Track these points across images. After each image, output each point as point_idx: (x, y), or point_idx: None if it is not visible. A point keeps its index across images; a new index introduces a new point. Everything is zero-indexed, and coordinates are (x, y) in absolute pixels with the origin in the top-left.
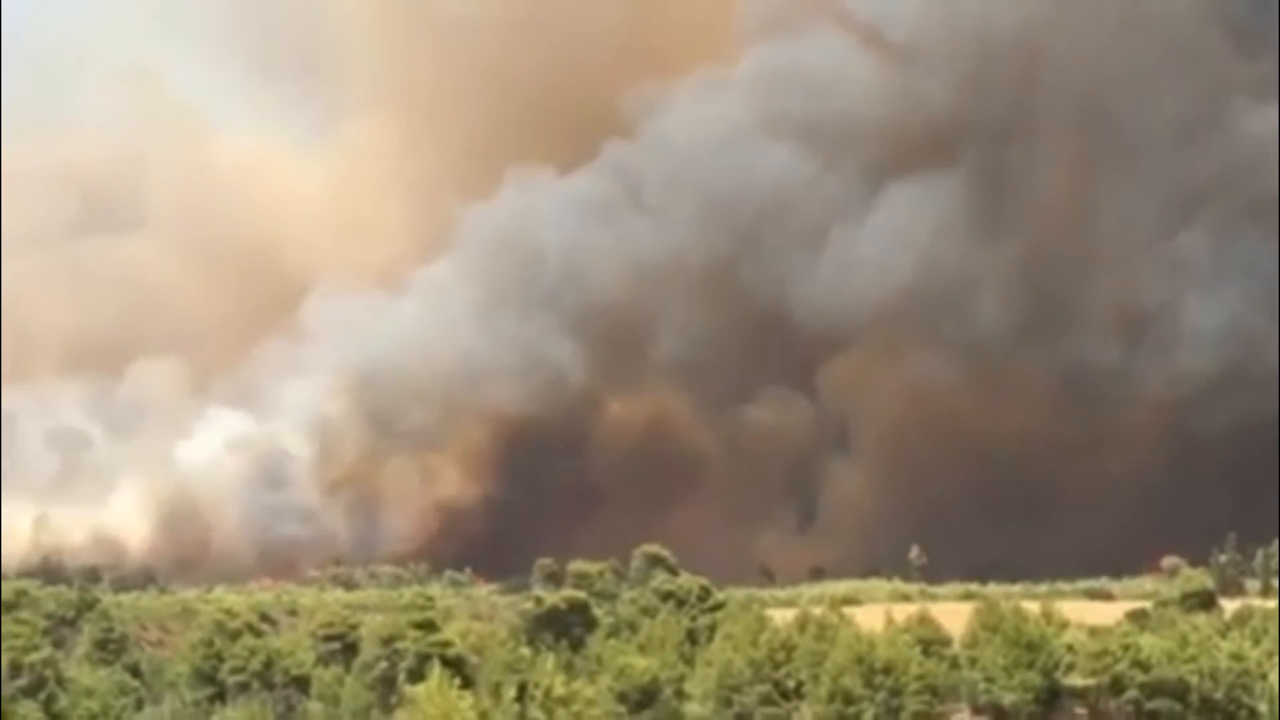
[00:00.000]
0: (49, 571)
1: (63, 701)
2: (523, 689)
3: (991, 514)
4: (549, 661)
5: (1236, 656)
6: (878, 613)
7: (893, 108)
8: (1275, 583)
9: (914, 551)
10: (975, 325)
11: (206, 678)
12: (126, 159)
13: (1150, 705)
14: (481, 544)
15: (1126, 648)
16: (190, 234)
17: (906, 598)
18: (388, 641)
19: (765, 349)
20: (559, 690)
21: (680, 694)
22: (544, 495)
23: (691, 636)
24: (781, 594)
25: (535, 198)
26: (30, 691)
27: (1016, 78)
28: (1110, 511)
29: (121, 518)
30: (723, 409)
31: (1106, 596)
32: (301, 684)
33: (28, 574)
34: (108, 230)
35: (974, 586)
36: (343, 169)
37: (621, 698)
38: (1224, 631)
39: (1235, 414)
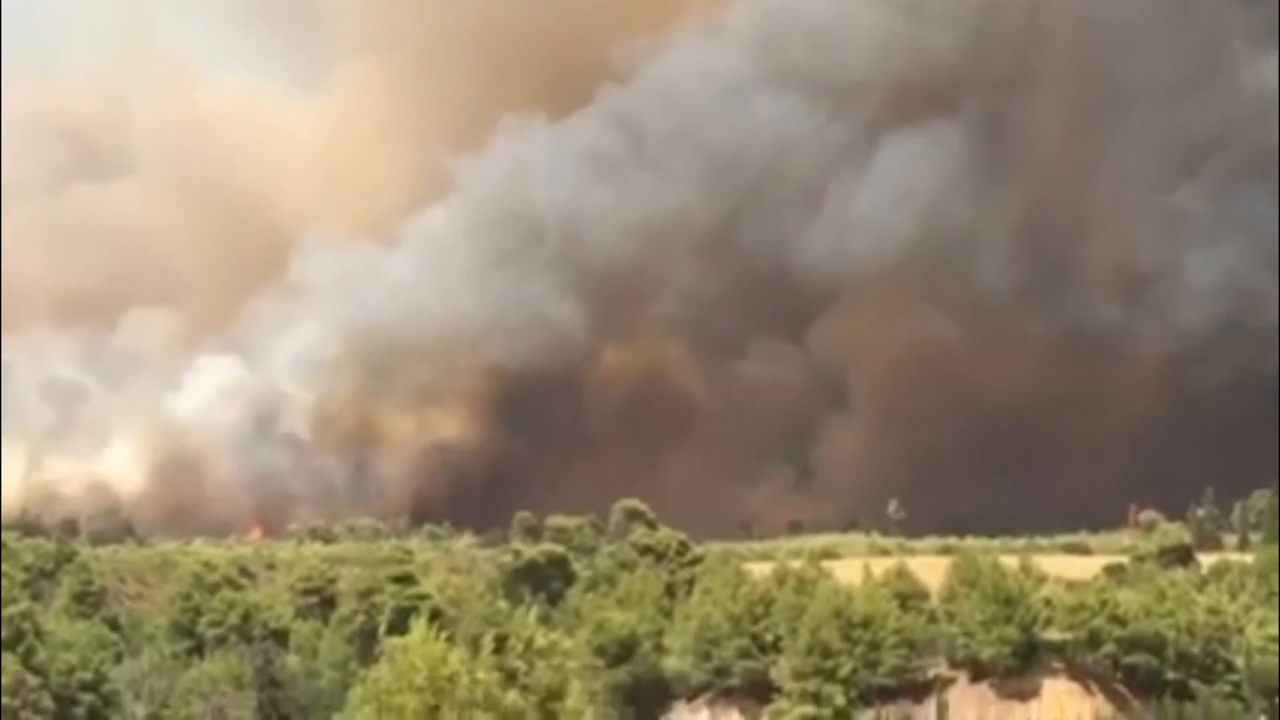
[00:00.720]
0: (27, 524)
1: (41, 654)
2: (502, 641)
3: (984, 467)
4: (530, 613)
5: (1213, 611)
6: (856, 567)
7: (894, 60)
8: (1252, 537)
9: (892, 506)
10: (975, 281)
11: (185, 631)
12: (115, 108)
13: (1127, 659)
14: (476, 493)
15: (1104, 602)
16: (180, 183)
17: (885, 552)
18: (366, 595)
19: (763, 304)
20: (540, 642)
21: (659, 648)
22: (538, 446)
23: (670, 590)
24: (760, 548)
25: (530, 147)
26: (8, 644)
27: (1017, 30)
28: (1103, 465)
29: (116, 467)
30: (719, 363)
31: (1084, 551)
32: (280, 637)
33: (8, 526)
34: (97, 179)
35: (952, 541)
36: (332, 117)
37: (600, 651)
38: (1201, 586)
39: (1232, 369)
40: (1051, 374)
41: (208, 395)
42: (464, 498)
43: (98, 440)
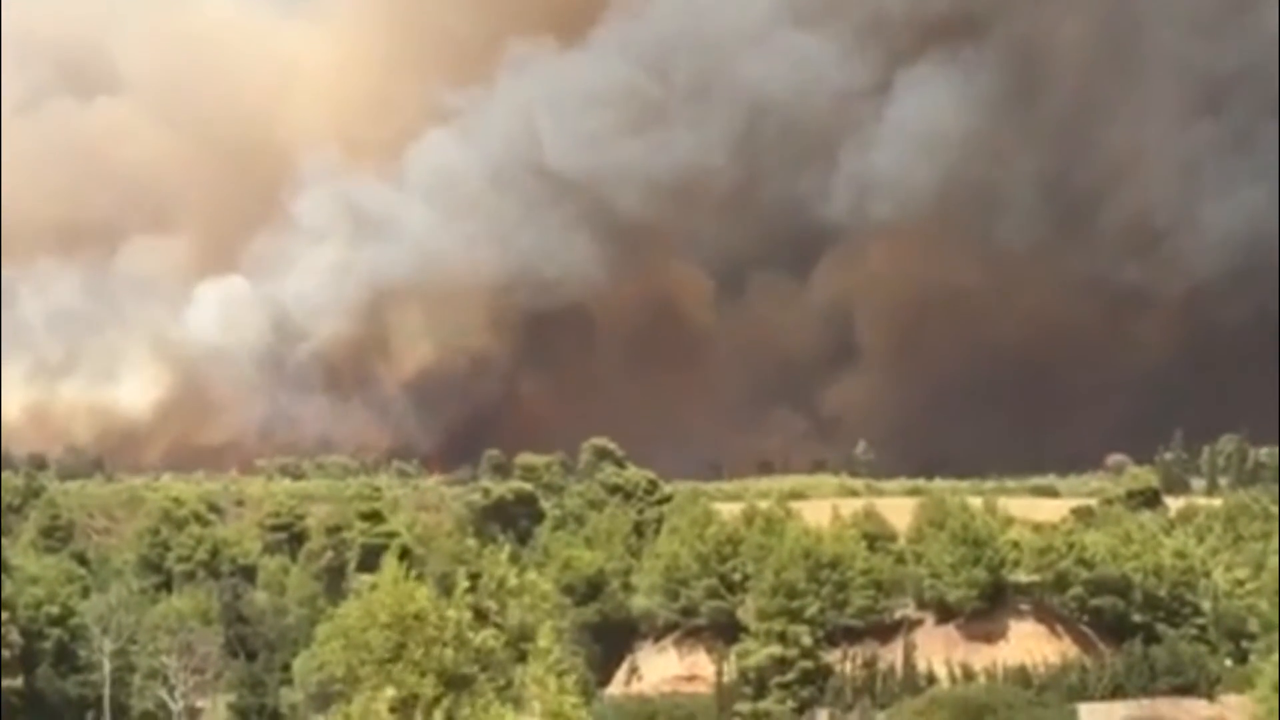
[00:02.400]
0: None
1: (8, 588)
2: (475, 579)
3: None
4: (502, 552)
5: (1180, 554)
6: (824, 508)
7: None
8: (1221, 481)
9: (861, 447)
10: (993, 223)
11: (153, 566)
12: (109, 27)
13: (1094, 602)
14: (488, 427)
15: (1071, 545)
16: (179, 106)
17: (853, 493)
18: (334, 531)
19: (779, 244)
20: (512, 581)
21: (627, 586)
22: (547, 381)
23: (639, 529)
24: (729, 488)
25: (540, 76)
26: None
27: None
28: (1111, 406)
29: (125, 397)
30: (732, 303)
31: (1052, 494)
32: (248, 573)
33: None
34: (92, 101)
35: (920, 483)
36: (333, 40)
37: (567, 589)
38: (1168, 529)
39: (1250, 311)
40: (1065, 317)
41: (212, 326)
42: (481, 433)
43: (104, 369)
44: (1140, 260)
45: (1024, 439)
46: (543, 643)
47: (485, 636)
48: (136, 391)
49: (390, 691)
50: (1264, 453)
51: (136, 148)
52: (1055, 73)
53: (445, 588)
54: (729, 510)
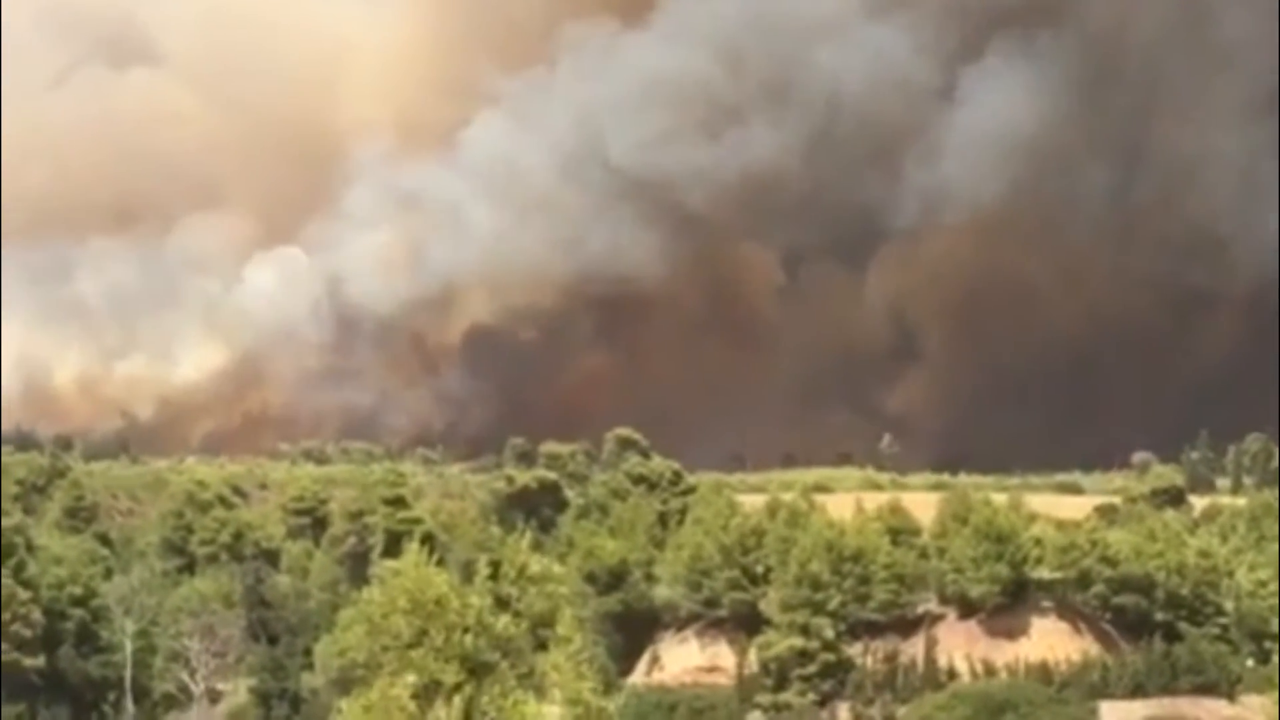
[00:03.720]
0: (21, 438)
1: (32, 568)
2: (496, 566)
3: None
4: (523, 539)
5: (1204, 553)
6: (848, 501)
7: None
8: (1246, 480)
9: (885, 440)
10: (1060, 221)
11: (176, 548)
12: (157, 2)
13: (1117, 600)
14: (546, 411)
15: (1094, 542)
16: (229, 84)
17: (877, 487)
18: (357, 517)
19: (845, 241)
20: (533, 569)
21: (649, 577)
22: (603, 369)
23: (662, 520)
24: (753, 479)
25: (602, 62)
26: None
27: None
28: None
29: (181, 376)
30: (793, 294)
31: (1076, 490)
32: (271, 557)
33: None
34: (141, 77)
35: (944, 477)
36: (384, 18)
37: (590, 579)
38: (1192, 528)
39: None
40: (1120, 315)
41: (267, 303)
42: (538, 418)
43: (159, 345)
44: (1201, 261)
45: (1053, 435)
46: (563, 630)
47: (505, 623)
48: (192, 368)
49: (411, 677)
50: None
51: (184, 126)
52: (1127, 68)
53: (468, 575)
54: (752, 502)
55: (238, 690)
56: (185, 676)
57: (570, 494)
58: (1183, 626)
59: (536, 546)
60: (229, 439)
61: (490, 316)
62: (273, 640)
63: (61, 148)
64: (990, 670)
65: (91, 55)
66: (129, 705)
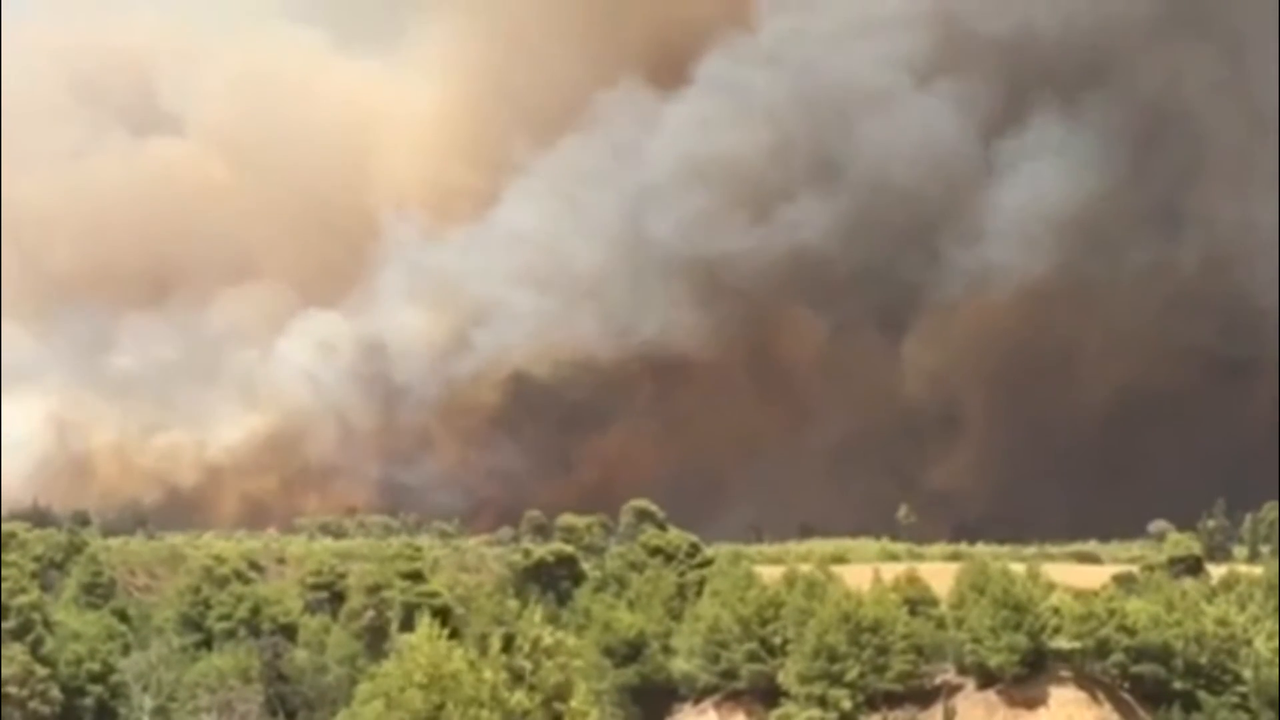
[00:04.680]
0: (38, 514)
1: (50, 644)
2: (509, 639)
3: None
4: (536, 612)
5: (1222, 622)
6: (866, 572)
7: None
8: (1262, 549)
9: (902, 511)
10: (1101, 293)
11: (193, 624)
12: (184, 68)
13: (1135, 669)
14: (577, 482)
15: (1112, 611)
16: (257, 150)
17: (894, 557)
18: (374, 591)
19: (884, 312)
20: (546, 641)
21: (666, 649)
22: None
23: (680, 592)
24: (770, 551)
25: (643, 132)
26: (18, 634)
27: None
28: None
29: (219, 445)
30: (838, 363)
31: (1094, 560)
32: (288, 631)
33: (18, 517)
34: (168, 144)
35: (961, 547)
36: (417, 86)
37: (608, 651)
38: (1210, 597)
39: None
40: (1160, 385)
41: (304, 379)
42: (581, 488)
43: (197, 416)
44: (1241, 331)
45: (1078, 504)
46: (577, 704)
47: (520, 698)
48: (230, 437)
49: None
50: None
51: (213, 195)
52: (1171, 133)
53: (484, 648)
54: (770, 573)
55: None
56: None
57: (587, 566)
58: (1201, 695)
59: (554, 620)
60: (268, 508)
61: (528, 392)
62: (290, 715)
63: (92, 217)
64: None
65: (117, 124)
66: None
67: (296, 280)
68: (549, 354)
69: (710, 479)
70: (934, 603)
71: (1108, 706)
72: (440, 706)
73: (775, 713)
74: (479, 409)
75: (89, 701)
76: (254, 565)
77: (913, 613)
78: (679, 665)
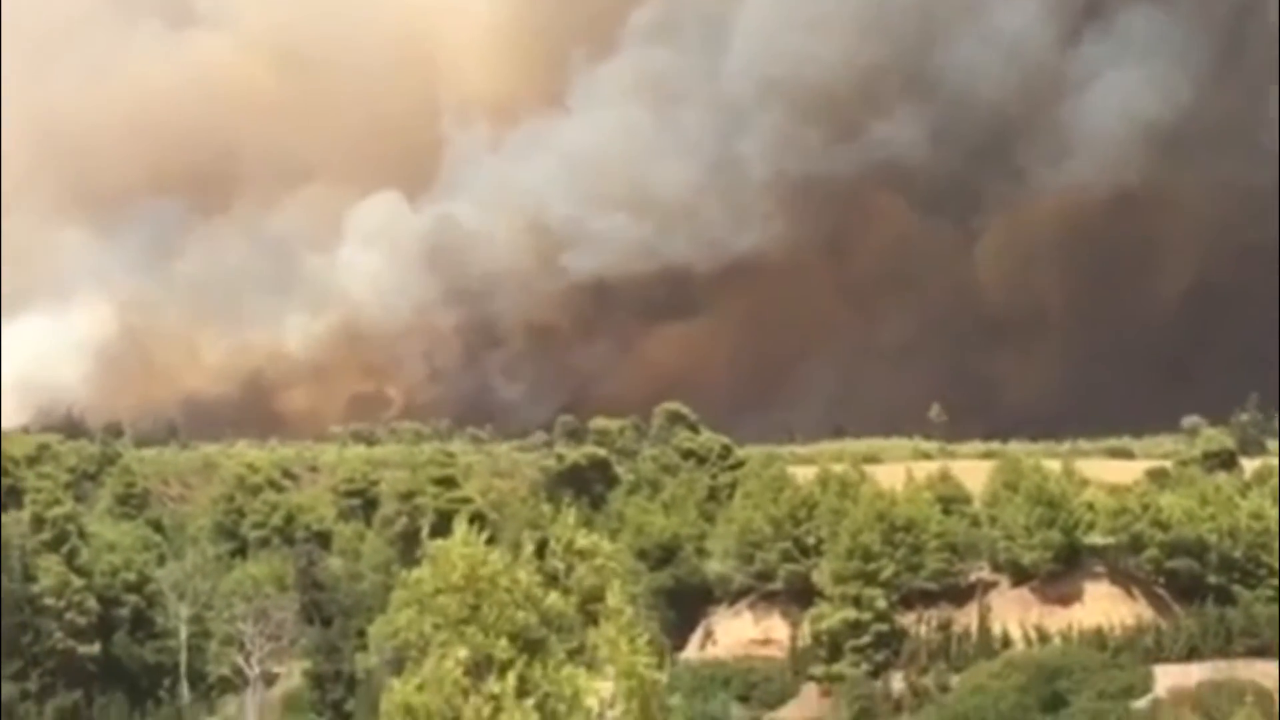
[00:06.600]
0: (71, 425)
1: (85, 555)
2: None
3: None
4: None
5: (1256, 515)
6: (899, 471)
7: None
8: None
9: (934, 409)
10: (1185, 189)
11: (228, 532)
12: None
13: (1169, 564)
14: (673, 379)
15: (1146, 506)
16: (309, 43)
17: (927, 456)
18: (408, 497)
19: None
20: (580, 544)
21: (700, 551)
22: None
23: (713, 494)
24: (802, 451)
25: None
26: (53, 545)
27: None
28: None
29: (288, 346)
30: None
31: (1127, 455)
32: (322, 539)
33: (51, 429)
34: (213, 32)
35: (994, 445)
36: None
37: (642, 555)
38: (1244, 491)
39: None
40: (1222, 285)
41: (371, 280)
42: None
43: (259, 319)
44: None
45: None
46: (613, 603)
47: (555, 599)
48: (296, 341)
49: (463, 652)
50: None
51: (262, 96)
52: (1249, 45)
53: (518, 553)
54: (803, 474)
55: (292, 673)
56: (240, 660)
57: (620, 470)
58: (1236, 589)
59: (587, 523)
60: (331, 413)
61: (599, 294)
62: (326, 623)
63: (152, 117)
64: (1044, 637)
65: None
66: (184, 690)
67: (358, 185)
68: (625, 264)
69: (782, 378)
70: (968, 501)
71: (1142, 602)
72: (475, 609)
73: (810, 613)
74: (549, 312)
75: (125, 611)
76: (287, 474)
77: (946, 511)
78: (713, 567)
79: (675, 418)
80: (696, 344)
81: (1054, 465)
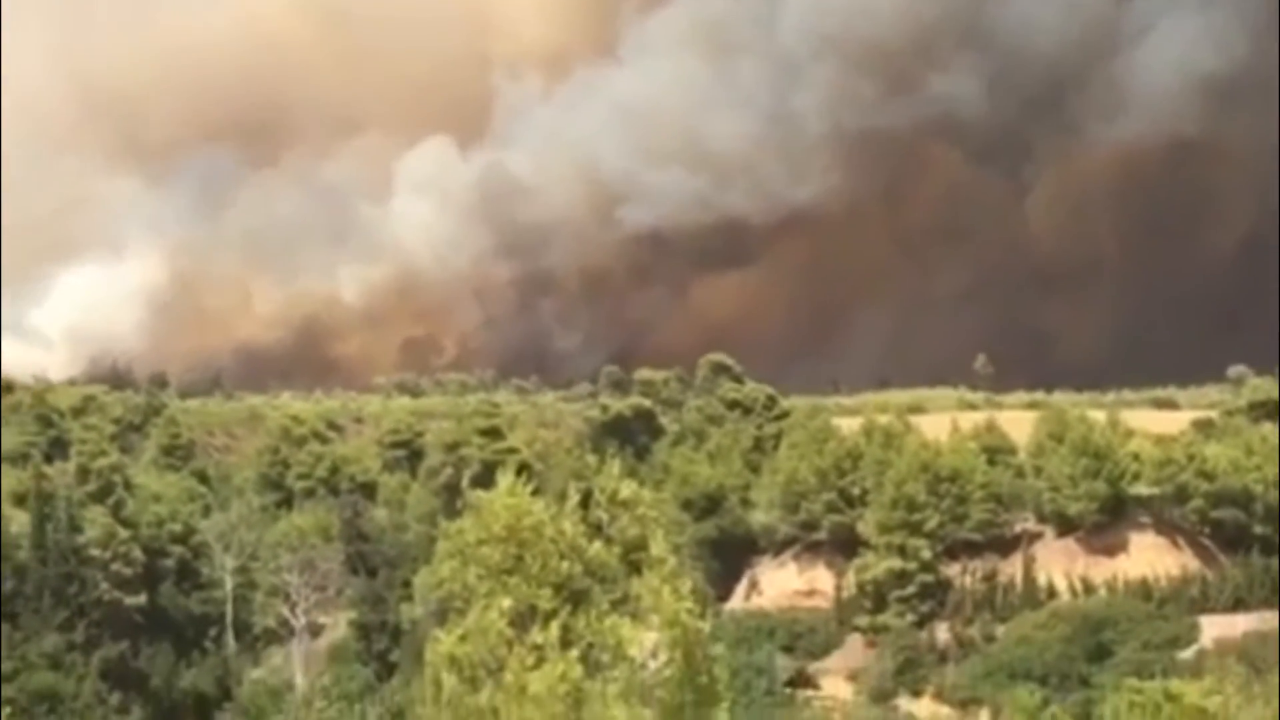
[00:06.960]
0: (116, 376)
1: (131, 506)
2: (588, 494)
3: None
4: (614, 466)
5: None
6: (944, 422)
7: None
8: None
9: (980, 360)
10: (1238, 137)
11: (273, 483)
12: None
13: (1215, 514)
14: (724, 330)
15: (1191, 457)
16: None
17: (972, 407)
18: (452, 448)
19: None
20: (624, 494)
21: (745, 502)
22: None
23: (757, 445)
24: (847, 402)
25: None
26: (99, 497)
27: None
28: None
29: (344, 295)
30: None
31: (1172, 406)
32: (367, 490)
33: (96, 380)
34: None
35: (1039, 396)
36: None
37: (686, 505)
38: None
39: None
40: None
41: (415, 226)
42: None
43: (312, 268)
44: None
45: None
46: (657, 552)
47: (598, 549)
48: (351, 290)
49: (507, 602)
50: None
51: (319, 47)
52: None
53: (563, 504)
54: (848, 425)
55: (338, 623)
56: (285, 611)
57: (665, 420)
58: None
59: (632, 474)
60: (384, 359)
61: (657, 243)
62: (371, 573)
63: (202, 68)
64: (1089, 588)
65: None
66: (230, 640)
67: (409, 136)
68: (681, 216)
69: (833, 328)
70: (1013, 451)
71: (1188, 552)
72: (519, 558)
73: (855, 563)
74: (604, 260)
75: (170, 562)
76: (332, 425)
77: (991, 462)
78: (758, 518)
79: (719, 369)
80: (751, 293)
81: (1099, 416)
